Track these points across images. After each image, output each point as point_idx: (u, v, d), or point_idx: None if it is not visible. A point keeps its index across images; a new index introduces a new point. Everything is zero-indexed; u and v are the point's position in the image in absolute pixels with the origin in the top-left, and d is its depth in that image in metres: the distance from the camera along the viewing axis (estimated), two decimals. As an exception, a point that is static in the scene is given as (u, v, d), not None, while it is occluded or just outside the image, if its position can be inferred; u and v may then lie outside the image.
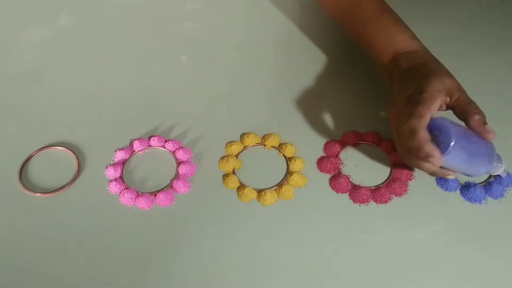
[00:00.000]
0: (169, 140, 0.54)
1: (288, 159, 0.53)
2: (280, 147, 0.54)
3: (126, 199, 0.48)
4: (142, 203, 0.47)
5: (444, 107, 0.47)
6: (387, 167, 0.53)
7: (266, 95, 0.62)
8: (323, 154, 0.54)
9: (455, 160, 0.44)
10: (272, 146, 0.54)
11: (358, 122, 0.58)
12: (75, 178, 0.50)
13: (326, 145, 0.55)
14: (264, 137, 0.55)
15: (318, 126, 0.57)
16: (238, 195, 0.49)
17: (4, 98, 0.59)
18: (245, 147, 0.54)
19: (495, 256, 0.45)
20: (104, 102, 0.59)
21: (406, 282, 0.43)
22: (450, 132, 0.43)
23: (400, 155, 0.48)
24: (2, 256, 0.43)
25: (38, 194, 0.48)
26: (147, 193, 0.49)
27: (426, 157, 0.43)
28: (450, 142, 0.42)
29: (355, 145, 0.55)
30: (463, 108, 0.46)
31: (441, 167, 0.45)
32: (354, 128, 0.57)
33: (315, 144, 0.55)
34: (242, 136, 0.55)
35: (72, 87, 0.61)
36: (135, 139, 0.54)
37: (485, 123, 0.45)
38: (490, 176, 0.52)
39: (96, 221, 0.46)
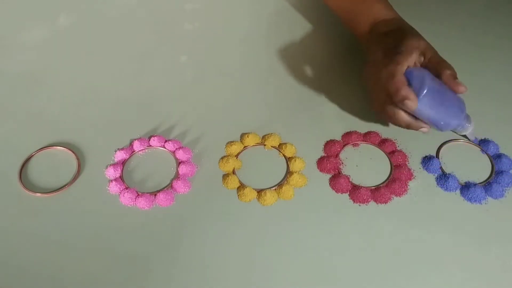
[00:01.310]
0: (169, 140, 0.54)
1: (288, 159, 0.53)
2: (280, 147, 0.54)
3: (126, 199, 0.48)
4: (142, 203, 0.47)
5: (418, 65, 0.51)
6: (387, 167, 0.53)
7: (266, 95, 0.62)
8: (323, 154, 0.54)
9: (428, 107, 0.47)
10: (272, 146, 0.54)
11: (358, 122, 0.58)
12: (75, 178, 0.50)
13: (326, 145, 0.55)
14: (264, 137, 0.55)
15: (318, 126, 0.57)
16: (238, 195, 0.49)
17: (4, 98, 0.59)
18: (245, 147, 0.54)
19: (495, 256, 0.45)
20: (104, 102, 0.59)
21: (406, 282, 0.43)
22: (425, 79, 0.47)
23: (376, 110, 0.52)
24: (2, 256, 0.43)
25: (38, 194, 0.48)
26: (147, 193, 0.49)
27: (403, 100, 0.46)
28: (424, 88, 0.46)
29: (355, 145, 0.55)
30: (436, 65, 0.49)
31: (415, 118, 0.49)
32: (354, 128, 0.57)
33: (315, 144, 0.55)
34: (242, 136, 0.55)
35: (72, 87, 0.61)
36: (135, 139, 0.54)
37: (456, 77, 0.49)
38: (490, 176, 0.52)
39: (96, 221, 0.46)
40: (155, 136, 0.54)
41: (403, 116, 0.49)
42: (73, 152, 0.52)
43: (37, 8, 0.74)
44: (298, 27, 0.73)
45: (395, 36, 0.52)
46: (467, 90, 0.49)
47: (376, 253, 0.45)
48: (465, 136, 0.54)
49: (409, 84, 0.48)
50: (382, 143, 0.55)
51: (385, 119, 0.52)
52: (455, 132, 0.54)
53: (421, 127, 0.50)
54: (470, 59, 0.68)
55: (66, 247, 0.44)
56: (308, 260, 0.44)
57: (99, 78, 0.63)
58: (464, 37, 0.73)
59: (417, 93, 0.47)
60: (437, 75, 0.49)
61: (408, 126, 0.50)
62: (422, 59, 0.51)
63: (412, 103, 0.46)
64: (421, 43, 0.51)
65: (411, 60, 0.49)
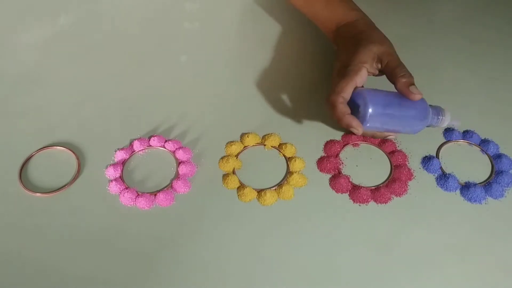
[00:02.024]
0: (169, 140, 0.54)
1: (288, 159, 0.53)
2: (280, 147, 0.54)
3: (126, 199, 0.48)
4: (142, 203, 0.47)
5: (377, 72, 0.52)
6: (387, 167, 0.53)
7: (266, 95, 0.61)
8: (323, 154, 0.54)
9: (379, 125, 0.48)
10: (272, 146, 0.54)
11: (358, 122, 0.57)
12: (75, 178, 0.50)
13: (326, 145, 0.55)
14: (264, 137, 0.55)
15: (318, 126, 0.57)
16: (238, 195, 0.49)
17: (4, 98, 0.59)
18: (245, 147, 0.54)
19: (495, 256, 0.45)
20: (104, 102, 0.59)
21: (406, 282, 0.43)
22: (367, 102, 0.47)
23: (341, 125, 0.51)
24: (2, 256, 0.43)
25: (38, 194, 0.48)
26: (147, 193, 0.49)
27: (348, 127, 0.47)
28: (368, 111, 0.47)
29: (355, 145, 0.55)
30: (391, 72, 0.49)
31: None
32: (354, 128, 0.57)
33: (315, 144, 0.55)
34: (242, 136, 0.55)
35: (72, 87, 0.61)
36: (135, 139, 0.54)
37: (411, 84, 0.48)
38: (490, 176, 0.52)
39: (96, 221, 0.46)
40: (155, 136, 0.54)
41: (358, 132, 0.48)
42: (73, 152, 0.52)
43: (37, 8, 0.74)
44: (299, 26, 0.73)
45: (349, 46, 0.52)
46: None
47: (376, 253, 0.45)
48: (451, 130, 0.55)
49: (357, 105, 0.48)
50: (382, 143, 0.55)
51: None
52: (434, 127, 0.53)
53: (387, 136, 0.52)
54: (470, 59, 0.68)
55: (66, 247, 0.44)
56: (308, 260, 0.44)
57: (99, 78, 0.63)
58: (464, 35, 0.73)
59: (363, 116, 0.47)
60: (393, 82, 0.49)
61: (373, 136, 0.52)
62: (379, 65, 0.51)
63: (357, 130, 0.47)
64: (376, 50, 0.50)
65: (359, 79, 0.49)
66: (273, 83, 0.64)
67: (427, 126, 0.52)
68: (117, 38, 0.70)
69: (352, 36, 0.54)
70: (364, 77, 0.50)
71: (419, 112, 0.49)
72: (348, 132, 0.56)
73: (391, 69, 0.49)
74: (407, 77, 0.48)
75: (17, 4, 0.75)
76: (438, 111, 0.51)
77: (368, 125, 0.48)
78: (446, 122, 0.52)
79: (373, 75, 0.52)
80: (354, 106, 0.49)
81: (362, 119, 0.48)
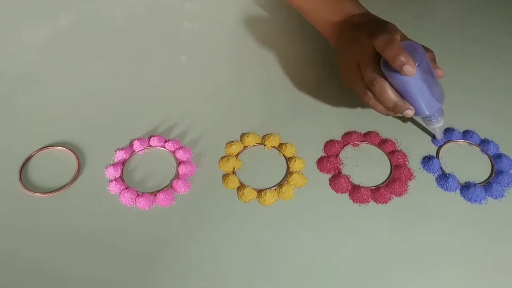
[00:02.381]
0: (169, 140, 0.54)
1: (288, 159, 0.53)
2: (280, 147, 0.54)
3: (126, 199, 0.48)
4: (142, 203, 0.47)
5: None
6: (387, 167, 0.53)
7: (266, 95, 0.61)
8: (323, 154, 0.54)
9: (420, 81, 0.46)
10: (272, 146, 0.54)
11: (358, 122, 0.58)
12: (75, 178, 0.50)
13: (326, 145, 0.55)
14: (264, 137, 0.55)
15: (318, 126, 0.57)
16: (238, 195, 0.49)
17: (4, 98, 0.59)
18: (245, 147, 0.54)
19: (495, 256, 0.45)
20: (104, 102, 0.59)
21: (406, 282, 0.43)
22: (419, 50, 0.46)
23: (363, 94, 0.50)
24: (2, 256, 0.43)
25: (38, 194, 0.48)
26: (147, 193, 0.49)
27: (402, 65, 0.44)
28: (419, 58, 0.45)
29: (355, 145, 0.55)
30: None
31: (401, 98, 0.48)
32: (354, 128, 0.57)
33: (315, 144, 0.55)
34: (242, 136, 0.55)
35: (72, 87, 0.61)
36: (135, 139, 0.54)
37: (435, 61, 0.49)
38: (490, 176, 0.52)
39: (96, 221, 0.46)
40: (155, 136, 0.54)
41: (390, 93, 0.47)
42: (73, 152, 0.52)
43: (37, 8, 0.74)
44: (299, 26, 0.73)
45: (373, 23, 0.51)
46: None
47: (376, 253, 0.45)
48: (433, 136, 0.55)
49: None
50: (382, 143, 0.55)
51: (367, 100, 0.50)
52: (426, 122, 0.53)
53: (408, 108, 0.48)
54: (470, 59, 0.68)
55: (66, 247, 0.44)
56: (308, 260, 0.44)
57: (99, 78, 0.63)
58: (464, 35, 0.73)
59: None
60: None
61: (394, 107, 0.48)
62: None
63: (412, 69, 0.44)
64: (398, 30, 0.50)
65: (398, 36, 0.47)
66: (273, 83, 0.64)
67: (426, 119, 0.52)
68: (117, 38, 0.70)
69: (367, 20, 0.53)
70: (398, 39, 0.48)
71: (440, 95, 0.49)
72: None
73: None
74: (433, 54, 0.49)
75: (17, 4, 0.75)
76: (442, 110, 0.51)
77: (415, 74, 0.45)
78: (438, 124, 0.52)
79: None
80: None
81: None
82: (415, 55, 0.45)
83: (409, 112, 0.48)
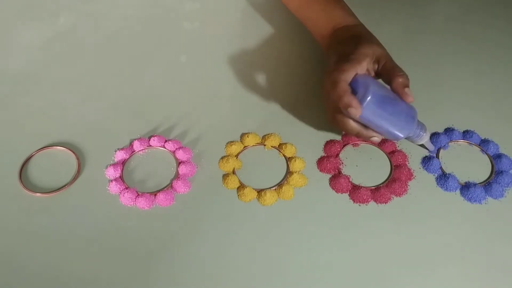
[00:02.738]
0: (169, 140, 0.54)
1: (288, 159, 0.53)
2: (280, 147, 0.54)
3: (126, 199, 0.48)
4: (142, 203, 0.47)
5: (373, 74, 0.51)
6: (387, 167, 0.53)
7: (266, 95, 0.61)
8: (323, 154, 0.54)
9: (373, 115, 0.47)
10: (272, 146, 0.54)
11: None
12: (75, 178, 0.50)
13: (326, 145, 0.55)
14: (264, 137, 0.55)
15: (318, 126, 0.57)
16: (238, 195, 0.49)
17: (4, 98, 0.59)
18: (245, 147, 0.54)
19: (495, 256, 0.45)
20: (104, 102, 0.59)
21: (406, 282, 0.43)
22: (369, 86, 0.46)
23: (328, 119, 0.51)
24: (2, 256, 0.43)
25: (38, 194, 0.48)
26: (147, 193, 0.49)
27: (346, 107, 0.46)
28: (368, 95, 0.46)
29: (355, 145, 0.55)
30: (389, 71, 0.49)
31: (365, 127, 0.48)
32: (354, 128, 0.57)
33: (315, 144, 0.55)
34: (242, 136, 0.55)
35: (72, 87, 0.61)
36: (135, 139, 0.54)
37: (406, 86, 0.48)
38: (490, 176, 0.52)
39: (96, 221, 0.46)
40: (155, 136, 0.54)
41: (352, 124, 0.48)
42: (73, 152, 0.52)
43: (37, 8, 0.74)
44: (299, 26, 0.73)
45: (350, 43, 0.51)
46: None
47: (376, 253, 0.45)
48: (423, 145, 0.53)
49: (355, 92, 0.47)
50: (382, 143, 0.55)
51: (337, 127, 0.51)
52: (412, 141, 0.51)
53: (372, 136, 0.49)
54: (470, 59, 0.68)
55: (66, 247, 0.44)
56: (308, 259, 0.44)
57: (99, 78, 0.63)
58: (464, 35, 0.73)
59: (361, 101, 0.46)
60: (389, 82, 0.49)
61: (358, 135, 0.49)
62: (376, 66, 0.50)
63: (356, 111, 0.45)
64: (375, 50, 0.50)
65: (361, 68, 0.48)
66: (273, 83, 0.64)
67: (409, 139, 0.51)
68: (117, 38, 0.70)
69: (351, 36, 0.53)
70: (364, 68, 0.49)
71: (408, 117, 0.48)
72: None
73: (388, 69, 0.49)
74: (404, 78, 0.48)
75: (17, 4, 0.75)
76: (421, 126, 0.50)
77: (364, 111, 0.46)
78: (424, 140, 0.51)
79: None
80: (352, 93, 0.47)
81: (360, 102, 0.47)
82: (364, 91, 0.46)
83: (375, 139, 0.50)
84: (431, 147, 0.53)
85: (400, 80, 0.48)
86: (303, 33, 0.72)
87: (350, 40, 0.52)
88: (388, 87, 0.49)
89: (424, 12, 0.78)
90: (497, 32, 0.74)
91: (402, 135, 0.49)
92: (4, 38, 0.69)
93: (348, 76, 0.47)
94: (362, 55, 0.49)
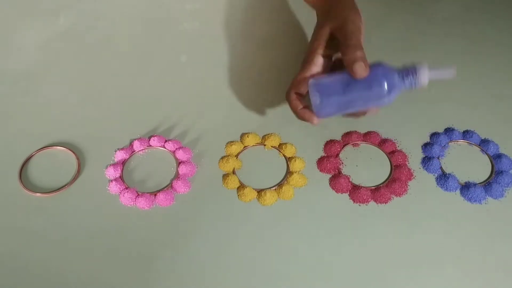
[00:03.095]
0: (169, 140, 0.54)
1: (288, 159, 0.53)
2: (280, 147, 0.54)
3: (126, 199, 0.48)
4: (142, 203, 0.47)
5: (336, 52, 0.48)
6: (387, 167, 0.53)
7: (266, 95, 0.61)
8: (323, 154, 0.54)
9: (336, 110, 0.46)
10: (272, 146, 0.54)
11: (358, 122, 0.57)
12: (75, 178, 0.50)
13: (326, 145, 0.55)
14: (264, 137, 0.55)
15: (318, 126, 0.57)
16: (238, 195, 0.49)
17: (4, 98, 0.59)
18: (245, 147, 0.54)
19: (495, 256, 0.45)
20: (104, 102, 0.59)
21: (406, 282, 0.43)
22: (315, 92, 0.45)
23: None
24: (2, 255, 0.43)
25: (38, 194, 0.48)
26: (147, 193, 0.49)
27: (303, 120, 0.47)
28: (317, 101, 0.45)
29: (355, 145, 0.55)
30: (341, 50, 0.45)
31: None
32: (354, 128, 0.57)
33: (315, 144, 0.55)
34: (242, 136, 0.55)
35: (72, 87, 0.61)
36: (135, 139, 0.54)
37: (355, 61, 0.43)
38: (490, 176, 0.52)
39: (96, 221, 0.46)
40: (155, 136, 0.54)
41: (295, 102, 0.48)
42: (73, 152, 0.52)
43: (37, 8, 0.74)
44: (299, 26, 0.73)
45: (319, 19, 0.50)
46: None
47: (376, 253, 0.45)
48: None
49: (311, 97, 0.46)
50: (382, 143, 0.55)
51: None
52: (418, 87, 0.44)
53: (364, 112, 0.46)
54: (470, 59, 0.68)
55: (66, 247, 0.44)
56: (308, 259, 0.44)
57: (99, 78, 0.63)
58: (464, 35, 0.73)
59: (316, 106, 0.45)
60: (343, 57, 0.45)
61: (354, 115, 0.47)
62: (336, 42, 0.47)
63: (313, 122, 0.47)
64: (329, 28, 0.47)
65: (315, 66, 0.47)
66: (273, 83, 0.64)
67: (406, 82, 0.44)
68: (117, 38, 0.70)
69: (321, 13, 0.51)
70: (319, 63, 0.47)
71: (380, 85, 0.43)
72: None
73: (341, 47, 0.45)
74: (351, 53, 0.44)
75: (17, 4, 0.75)
76: (408, 71, 0.44)
77: (323, 113, 0.46)
78: (425, 78, 0.44)
79: (334, 55, 0.49)
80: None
81: (316, 109, 0.46)
82: (316, 98, 0.45)
83: (315, 124, 0.48)
84: (450, 73, 0.44)
85: (347, 57, 0.44)
86: (303, 34, 0.72)
87: (320, 16, 0.51)
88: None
89: (425, 12, 0.78)
90: (497, 32, 0.74)
91: (389, 101, 0.44)
92: (4, 38, 0.69)
93: (301, 89, 0.48)
94: (312, 53, 0.48)
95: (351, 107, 0.46)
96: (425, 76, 0.44)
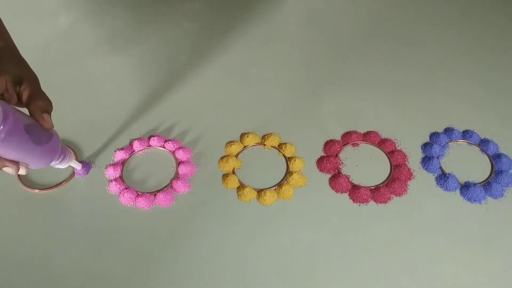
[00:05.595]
0: (169, 140, 0.54)
1: (288, 159, 0.53)
2: (280, 147, 0.54)
3: (126, 199, 0.48)
4: (142, 203, 0.47)
5: (16, 99, 0.42)
6: (387, 167, 0.53)
7: (266, 95, 0.62)
8: (323, 154, 0.54)
9: (11, 150, 0.38)
10: (272, 146, 0.54)
11: (358, 122, 0.58)
12: (73, 174, 0.50)
13: (326, 145, 0.55)
14: (264, 137, 0.55)
15: (318, 126, 0.57)
16: (238, 195, 0.49)
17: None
18: (245, 147, 0.54)
19: (495, 255, 0.45)
20: (104, 102, 0.59)
21: (406, 282, 0.43)
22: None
23: None
24: (2, 253, 0.43)
25: (37, 190, 0.48)
26: (147, 193, 0.49)
27: None
28: None
29: (355, 145, 0.55)
30: (29, 96, 0.41)
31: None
32: (354, 128, 0.57)
33: (315, 144, 0.55)
34: (242, 136, 0.55)
35: (72, 87, 0.61)
36: (135, 139, 0.54)
37: (47, 111, 0.41)
38: (490, 175, 0.52)
39: (96, 221, 0.46)
40: (155, 136, 0.54)
41: None
42: (73, 152, 0.52)
43: (37, 8, 0.74)
44: (299, 26, 0.73)
45: None
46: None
47: (376, 253, 0.45)
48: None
49: None
50: (382, 143, 0.55)
51: None
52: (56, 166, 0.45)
53: (4, 166, 0.39)
54: (470, 59, 0.68)
55: (66, 247, 0.44)
56: (308, 259, 0.44)
57: (99, 78, 0.63)
58: (464, 35, 0.73)
59: None
60: (28, 106, 0.41)
61: None
62: (18, 88, 0.42)
63: None
64: (16, 69, 0.43)
65: None
66: (273, 83, 0.64)
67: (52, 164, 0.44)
68: (117, 38, 0.70)
69: None
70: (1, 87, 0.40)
71: (50, 147, 0.42)
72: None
73: (30, 94, 0.41)
74: (44, 102, 0.41)
75: (17, 4, 0.75)
76: (64, 151, 0.45)
77: None
78: (69, 163, 0.45)
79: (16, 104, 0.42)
80: None
81: None
82: None
83: (9, 171, 0.39)
84: (77, 169, 0.49)
85: (40, 103, 0.41)
86: (303, 34, 0.72)
87: None
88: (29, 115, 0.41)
89: (424, 12, 0.78)
90: (497, 32, 0.74)
91: (42, 165, 0.42)
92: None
93: None
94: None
95: (20, 156, 0.39)
96: (71, 162, 0.45)
